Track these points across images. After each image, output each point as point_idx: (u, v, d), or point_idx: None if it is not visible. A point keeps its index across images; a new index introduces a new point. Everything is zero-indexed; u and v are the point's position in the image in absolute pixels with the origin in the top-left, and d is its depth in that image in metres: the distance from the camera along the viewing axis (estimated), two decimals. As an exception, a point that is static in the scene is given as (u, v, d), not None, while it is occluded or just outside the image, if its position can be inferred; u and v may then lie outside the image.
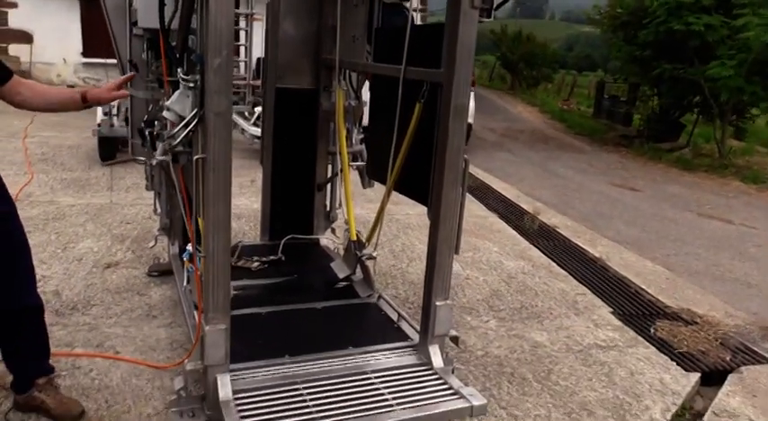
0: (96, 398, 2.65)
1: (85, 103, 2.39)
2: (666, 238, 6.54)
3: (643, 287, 4.59)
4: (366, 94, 3.68)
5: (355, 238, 3.40)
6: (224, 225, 2.21)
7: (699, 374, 3.35)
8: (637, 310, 4.15)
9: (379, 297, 3.33)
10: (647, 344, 3.65)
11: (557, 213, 6.75)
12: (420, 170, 2.73)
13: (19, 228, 2.32)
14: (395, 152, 2.91)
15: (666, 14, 11.36)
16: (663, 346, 3.63)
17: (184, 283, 3.26)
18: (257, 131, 6.61)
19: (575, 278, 4.65)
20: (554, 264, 4.91)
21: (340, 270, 3.55)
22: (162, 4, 2.52)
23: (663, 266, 5.27)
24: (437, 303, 2.62)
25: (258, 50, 7.28)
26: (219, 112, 2.09)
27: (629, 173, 10.59)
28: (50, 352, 2.58)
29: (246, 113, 8.24)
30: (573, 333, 3.70)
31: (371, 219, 5.13)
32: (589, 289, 4.45)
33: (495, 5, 2.44)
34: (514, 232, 5.73)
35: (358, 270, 3.46)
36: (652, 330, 3.85)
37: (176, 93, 2.32)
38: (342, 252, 3.93)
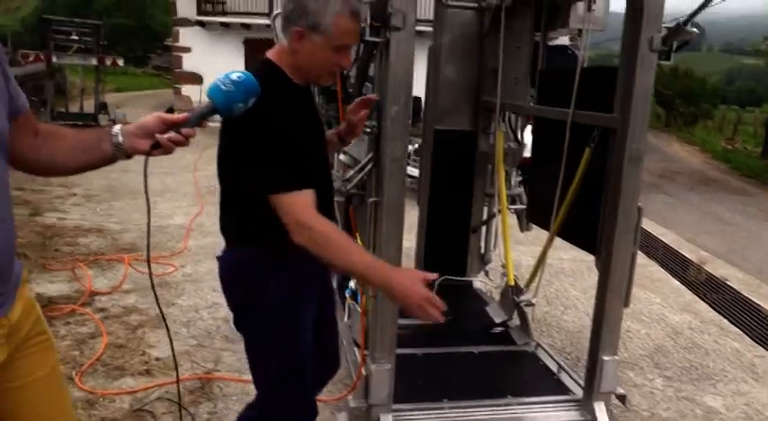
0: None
1: None
2: None
3: (835, 352, 4.07)
4: (527, 137, 3.65)
5: (513, 283, 3.34)
6: (395, 265, 2.26)
7: None
8: (829, 379, 3.68)
9: (537, 345, 3.23)
10: None
11: (725, 263, 6.21)
12: (587, 217, 2.64)
13: None
14: (560, 197, 2.84)
15: None
16: None
17: (345, 318, 3.38)
18: (413, 171, 6.73)
19: (750, 337, 4.22)
20: (725, 321, 4.50)
21: (496, 314, 3.49)
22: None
23: None
24: (604, 358, 2.49)
25: (414, 90, 7.46)
26: (396, 158, 2.16)
27: (809, 220, 9.55)
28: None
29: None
30: (752, 400, 3.35)
31: (523, 262, 5.05)
32: (768, 350, 4.02)
33: (674, 47, 2.34)
34: (677, 283, 5.33)
35: (515, 315, 3.38)
36: None
37: (353, 138, 2.43)
38: (494, 295, 3.88)
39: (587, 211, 2.65)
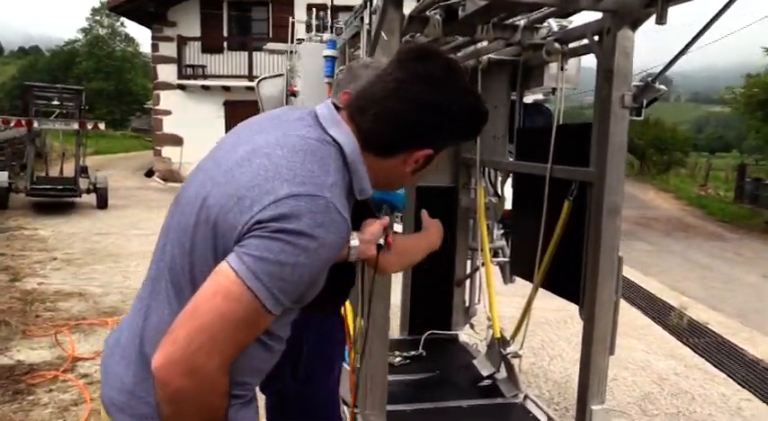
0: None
1: None
2: (839, 337, 5.87)
3: (819, 394, 4.12)
4: (507, 191, 3.74)
5: (499, 335, 3.37)
6: (383, 323, 2.30)
7: None
8: (815, 421, 3.72)
9: (526, 397, 3.23)
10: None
11: (706, 308, 6.30)
12: (570, 267, 2.70)
13: None
14: (542, 249, 2.91)
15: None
16: None
17: (333, 377, 3.36)
18: (398, 227, 6.79)
19: (735, 381, 4.26)
20: (709, 365, 4.55)
21: (483, 367, 3.50)
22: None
23: (839, 370, 4.72)
24: (593, 407, 2.51)
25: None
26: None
27: (784, 262, 9.75)
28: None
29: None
30: (742, 444, 3.37)
31: (506, 314, 5.07)
32: (754, 394, 4.05)
33: (644, 104, 2.46)
34: (660, 328, 5.40)
35: (502, 367, 3.40)
36: (837, 445, 3.42)
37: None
38: (480, 348, 3.89)
39: (569, 262, 2.72)
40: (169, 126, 17.54)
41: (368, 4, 2.33)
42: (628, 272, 7.72)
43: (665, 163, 26.87)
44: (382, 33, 2.08)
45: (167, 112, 17.61)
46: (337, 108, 1.20)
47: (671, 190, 20.98)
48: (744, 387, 4.16)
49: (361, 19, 2.44)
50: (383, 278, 2.24)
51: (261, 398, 1.68)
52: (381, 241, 1.50)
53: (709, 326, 5.51)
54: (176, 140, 17.18)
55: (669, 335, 5.20)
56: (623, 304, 6.19)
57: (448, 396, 3.26)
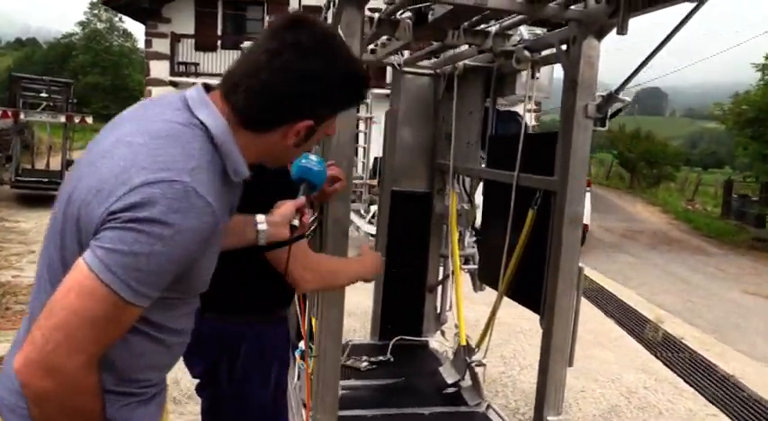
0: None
1: None
2: (812, 356, 5.88)
3: (786, 411, 4.12)
4: (479, 198, 3.73)
5: (465, 343, 3.35)
6: (336, 328, 2.27)
7: None
8: (780, 438, 3.72)
9: (488, 406, 3.21)
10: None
11: (682, 322, 6.31)
12: (532, 277, 2.69)
13: None
14: (507, 257, 2.90)
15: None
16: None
17: (295, 379, 3.33)
18: (372, 229, 6.81)
19: (703, 396, 4.26)
20: (680, 380, 4.54)
21: (449, 375, 3.48)
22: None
23: (809, 388, 4.72)
24: (549, 418, 2.49)
25: (375, 151, 7.65)
26: (337, 219, 2.20)
27: (765, 279, 9.77)
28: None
29: (362, 211, 8.54)
30: (704, 460, 3.36)
31: (480, 322, 5.04)
32: (721, 409, 4.05)
33: (608, 115, 2.46)
34: (634, 341, 5.39)
35: (467, 375, 3.38)
36: (799, 463, 3.41)
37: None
38: (450, 355, 3.87)
39: (532, 272, 2.70)
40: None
41: (331, 4, 2.31)
42: (607, 283, 7.73)
43: (655, 176, 27.00)
44: (341, 34, 2.06)
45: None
46: (209, 89, 1.16)
47: (659, 203, 21.05)
48: (711, 402, 4.16)
49: (325, 19, 2.43)
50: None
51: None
52: (296, 222, 1.47)
53: (683, 341, 5.51)
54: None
55: (643, 349, 5.20)
56: (599, 315, 6.20)
57: (410, 402, 3.23)
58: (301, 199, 1.53)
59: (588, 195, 10.31)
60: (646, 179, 26.79)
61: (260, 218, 1.46)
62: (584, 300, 6.74)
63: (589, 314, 6.04)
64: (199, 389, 1.94)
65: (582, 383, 4.27)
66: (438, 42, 3.09)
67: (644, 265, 10.18)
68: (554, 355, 2.48)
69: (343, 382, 3.36)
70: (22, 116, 10.91)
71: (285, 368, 2.03)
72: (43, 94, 11.47)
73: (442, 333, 4.15)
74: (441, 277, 4.07)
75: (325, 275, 1.76)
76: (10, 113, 10.73)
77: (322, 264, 1.76)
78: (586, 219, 10.41)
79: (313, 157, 1.61)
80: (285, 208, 1.48)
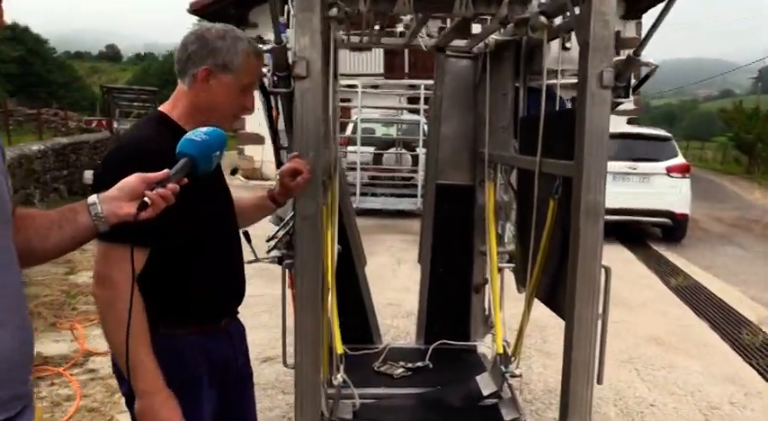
0: None
1: None
2: None
3: None
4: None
5: (502, 351, 3.01)
6: (313, 336, 2.03)
7: None
8: None
9: (524, 422, 2.86)
10: None
11: (790, 325, 5.52)
12: (557, 277, 2.33)
13: None
14: (533, 255, 2.54)
15: None
16: None
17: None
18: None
19: (805, 413, 3.64)
20: (776, 393, 3.92)
21: (485, 386, 3.15)
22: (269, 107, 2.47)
23: None
24: (574, 445, 2.12)
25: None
26: (307, 216, 1.96)
27: None
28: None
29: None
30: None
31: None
32: (826, 430, 3.43)
33: (633, 85, 2.05)
34: (727, 347, 4.75)
35: (504, 386, 3.04)
36: None
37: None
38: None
39: (557, 272, 2.34)
40: (252, 125, 17.90)
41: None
42: (706, 279, 6.98)
43: (777, 159, 24.53)
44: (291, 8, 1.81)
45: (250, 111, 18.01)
46: None
47: (782, 189, 19.10)
48: (814, 421, 3.54)
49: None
50: (309, 280, 1.97)
51: None
52: (147, 199, 1.23)
53: (787, 347, 4.80)
54: (258, 139, 17.50)
55: (736, 355, 4.56)
56: (688, 315, 5.56)
57: (440, 416, 2.95)
58: (162, 172, 1.29)
59: (687, 181, 9.44)
60: (765, 163, 24.36)
61: (92, 198, 1.26)
62: (674, 298, 6.13)
63: (676, 314, 5.43)
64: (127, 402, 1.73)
65: (654, 396, 3.76)
66: (445, 14, 2.77)
67: (755, 259, 9.14)
68: (575, 372, 2.10)
69: (371, 391, 3.14)
70: (115, 124, 11.51)
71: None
72: (135, 103, 12.06)
73: (493, 336, 3.80)
74: (486, 276, 3.73)
75: (108, 306, 1.46)
76: (104, 123, 11.36)
77: (119, 299, 1.40)
78: (685, 209, 9.51)
79: (203, 129, 1.40)
80: (126, 181, 1.26)
